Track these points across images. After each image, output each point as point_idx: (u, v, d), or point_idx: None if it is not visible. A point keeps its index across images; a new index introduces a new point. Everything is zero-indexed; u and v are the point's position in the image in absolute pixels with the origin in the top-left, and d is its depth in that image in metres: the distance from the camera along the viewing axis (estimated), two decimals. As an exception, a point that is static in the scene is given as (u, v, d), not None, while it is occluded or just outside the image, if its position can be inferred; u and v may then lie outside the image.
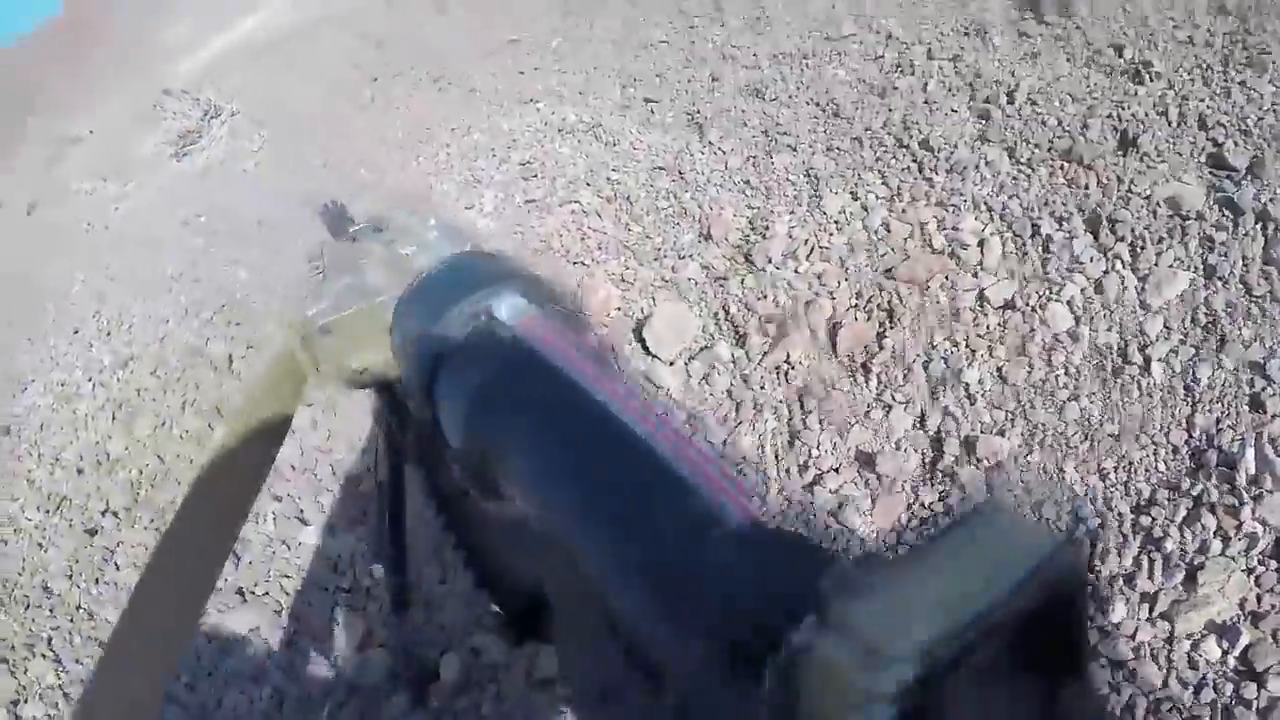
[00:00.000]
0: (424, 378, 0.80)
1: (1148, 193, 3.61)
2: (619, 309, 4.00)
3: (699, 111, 5.37)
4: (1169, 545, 2.43)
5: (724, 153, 4.88)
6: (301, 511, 3.82)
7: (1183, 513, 2.50)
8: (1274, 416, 2.70)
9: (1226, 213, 3.45)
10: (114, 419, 5.29)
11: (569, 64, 6.92)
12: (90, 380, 5.91)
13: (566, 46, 7.30)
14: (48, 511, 4.79)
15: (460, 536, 1.28)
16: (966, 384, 3.02)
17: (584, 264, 4.41)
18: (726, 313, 3.72)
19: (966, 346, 3.16)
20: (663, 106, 5.64)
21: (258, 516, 3.77)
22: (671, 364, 3.56)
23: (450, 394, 0.76)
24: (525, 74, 7.11)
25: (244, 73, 14.27)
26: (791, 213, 4.17)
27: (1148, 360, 2.94)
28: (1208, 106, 4.05)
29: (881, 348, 3.26)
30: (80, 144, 17.49)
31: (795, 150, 4.62)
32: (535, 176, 5.42)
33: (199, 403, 5.03)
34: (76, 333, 6.85)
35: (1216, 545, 2.42)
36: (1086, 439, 2.77)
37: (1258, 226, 3.36)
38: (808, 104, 5.01)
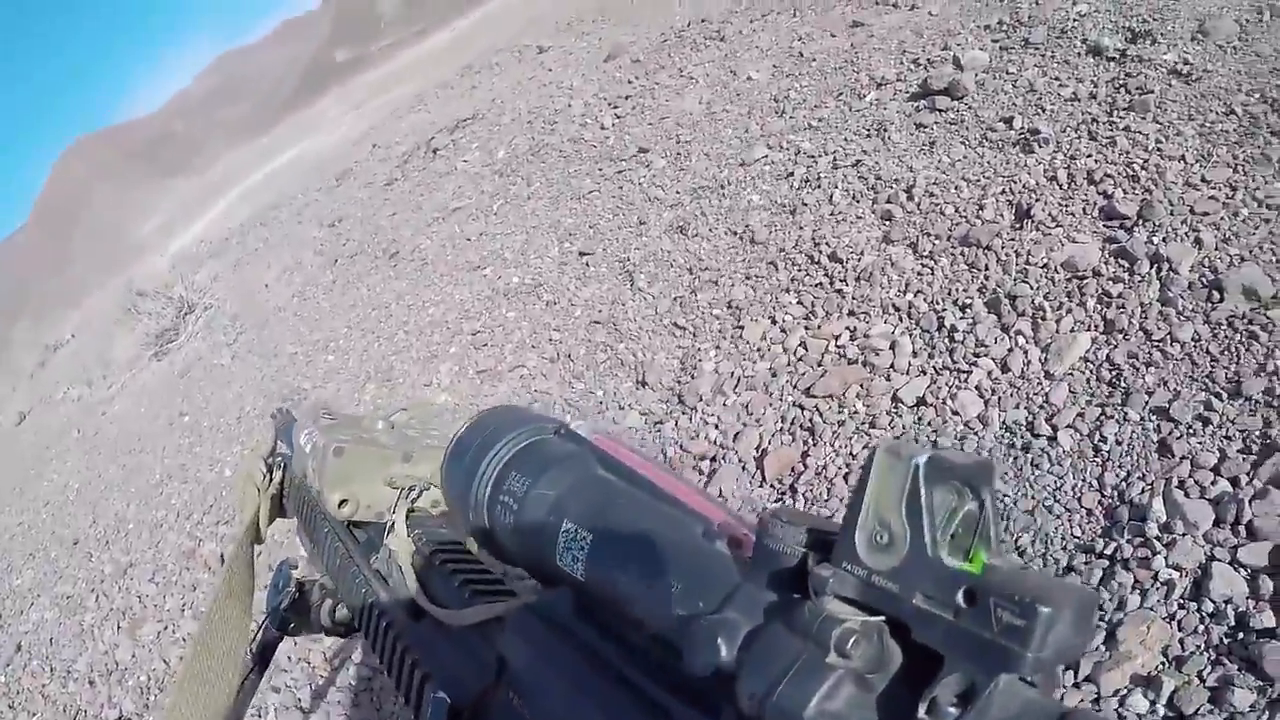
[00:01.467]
0: (483, 479, 0.87)
1: (1045, 260, 3.93)
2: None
3: (629, 259, 5.83)
4: (1088, 610, 2.64)
5: (653, 298, 5.29)
6: (300, 701, 4.05)
7: (1099, 574, 2.71)
8: (1181, 458, 2.94)
9: (1122, 263, 3.77)
10: (119, 628, 5.61)
11: (509, 224, 7.52)
12: (93, 591, 6.29)
13: (507, 208, 7.92)
14: (65, 725, 5.09)
15: None
16: (886, 488, 3.27)
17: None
18: (665, 456, 4.02)
19: (884, 451, 3.42)
20: (596, 258, 6.12)
21: (259, 711, 4.01)
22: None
23: (514, 489, 0.84)
24: (471, 240, 7.71)
25: (213, 264, 15.19)
26: (717, 347, 4.52)
27: (1055, 430, 3.20)
28: (1095, 161, 4.43)
29: (806, 467, 3.53)
30: (63, 349, 18.44)
31: (717, 284, 5.01)
32: (485, 345, 5.91)
33: (196, 605, 5.35)
34: (76, 544, 7.29)
35: (1134, 599, 2.62)
36: (1003, 520, 3.00)
37: (1152, 270, 3.67)
38: (726, 234, 5.43)
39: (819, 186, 5.33)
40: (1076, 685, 2.51)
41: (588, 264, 6.09)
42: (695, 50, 8.79)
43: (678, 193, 6.27)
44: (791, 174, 5.63)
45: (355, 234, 10.22)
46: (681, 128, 7.21)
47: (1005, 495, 3.06)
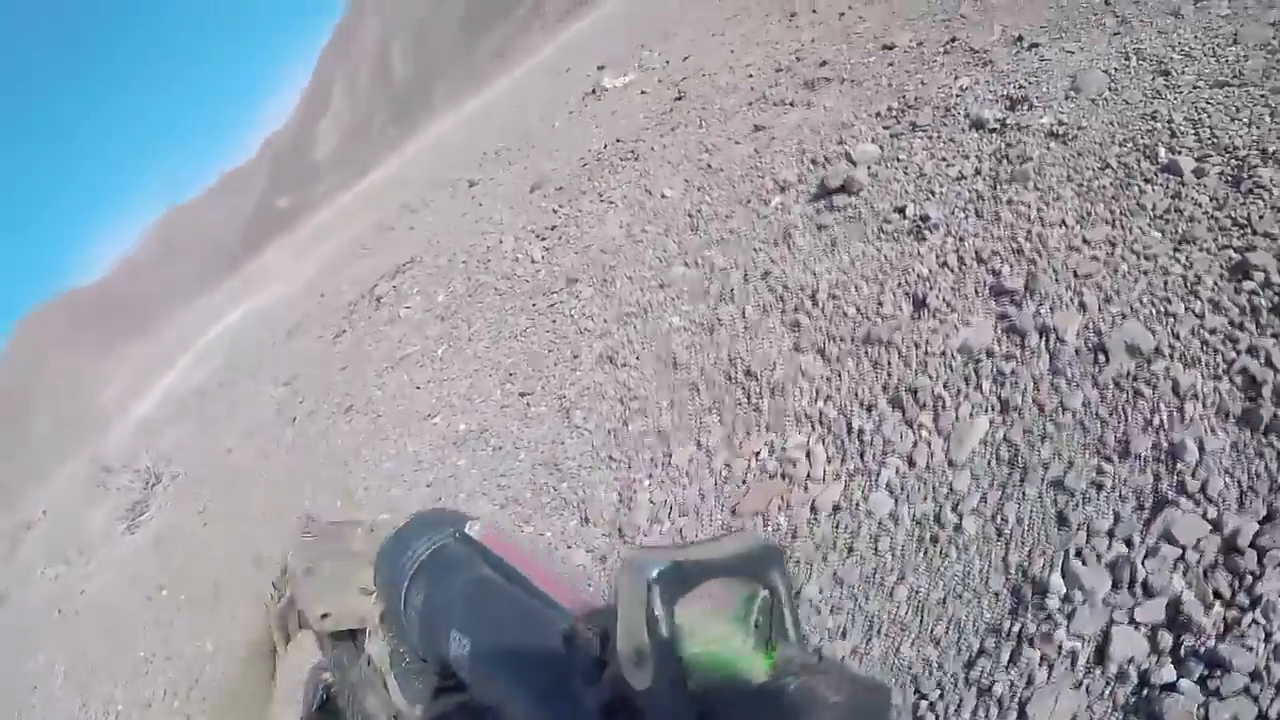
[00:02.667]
0: (400, 590, 1.00)
1: (942, 348, 4.29)
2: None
3: (565, 395, 6.19)
4: (998, 689, 2.90)
5: (589, 432, 5.62)
6: None
7: (1007, 653, 2.98)
8: (1078, 527, 3.24)
9: (1014, 339, 4.11)
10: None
11: (454, 368, 7.90)
12: None
13: (450, 352, 8.30)
14: None
15: None
16: (809, 598, 3.55)
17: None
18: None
19: (805, 563, 3.71)
20: (535, 397, 6.49)
21: None
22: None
23: (417, 599, 0.97)
24: (420, 388, 8.08)
25: (174, 431, 15.47)
26: (650, 476, 4.83)
27: (960, 517, 3.50)
28: (983, 239, 4.81)
29: (735, 590, 3.80)
30: (36, 528, 18.51)
31: (645, 413, 5.35)
32: (440, 498, 6.20)
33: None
34: None
35: (1041, 674, 2.89)
36: (917, 613, 3.28)
37: (1041, 343, 4.02)
38: (652, 359, 5.80)
39: (733, 301, 5.71)
40: (993, 767, 2.76)
41: (528, 404, 6.44)
42: (613, 172, 9.31)
43: (605, 321, 6.66)
44: (708, 291, 6.02)
45: (309, 391, 10.60)
46: (605, 254, 7.65)
47: (919, 589, 3.35)
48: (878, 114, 6.82)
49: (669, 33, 14.69)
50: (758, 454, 4.41)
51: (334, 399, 9.57)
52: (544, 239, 9.00)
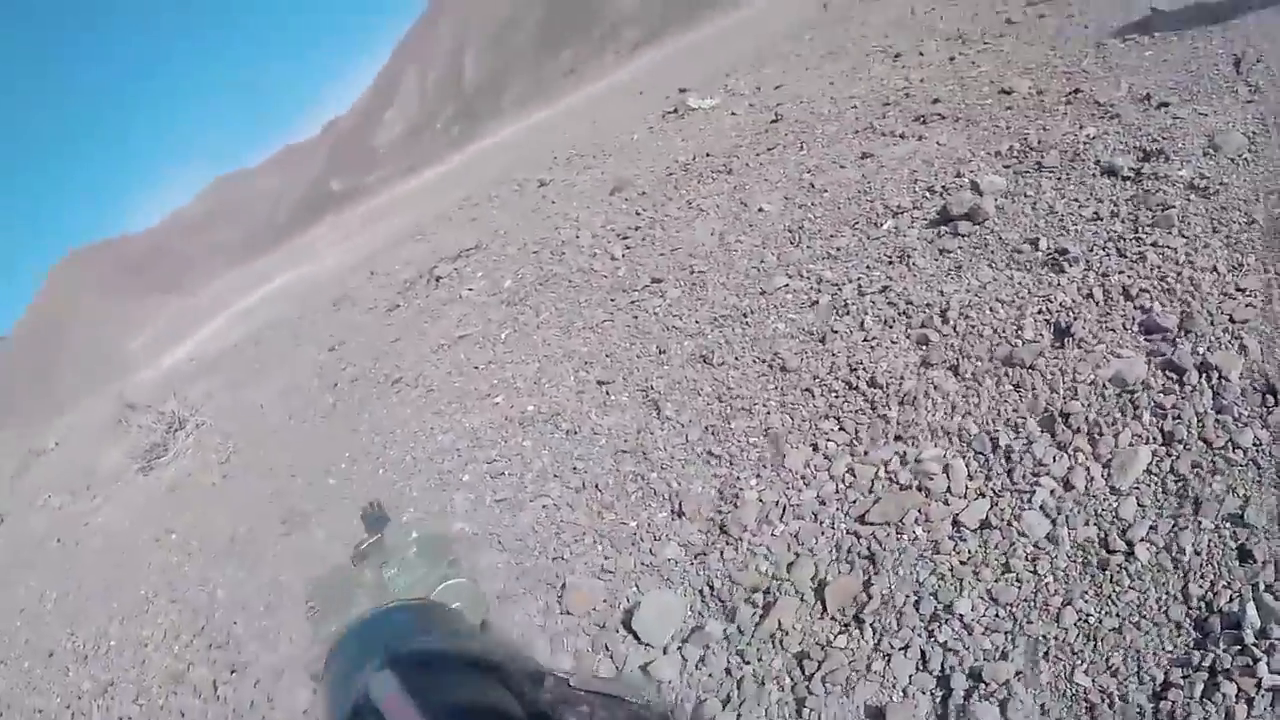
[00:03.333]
0: None
1: (1091, 378, 4.03)
2: (605, 601, 4.28)
3: (652, 387, 5.92)
4: (1195, 725, 2.63)
5: (682, 425, 5.35)
6: None
7: (1200, 687, 2.70)
8: (1264, 563, 2.97)
9: (1171, 375, 3.87)
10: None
11: (519, 353, 7.61)
12: (69, 709, 6.03)
13: (515, 336, 8.02)
14: None
15: None
16: (960, 615, 3.27)
17: (563, 559, 4.74)
18: (711, 589, 4.01)
19: (953, 576, 3.44)
20: (616, 386, 6.21)
21: None
22: (665, 651, 3.80)
23: None
24: (479, 368, 7.78)
25: (206, 381, 15.16)
26: (758, 476, 4.56)
27: (1130, 544, 3.23)
28: (1128, 276, 4.58)
29: (870, 596, 3.53)
30: (46, 457, 18.16)
31: (751, 411, 5.08)
32: (503, 474, 5.89)
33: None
34: (51, 655, 7.01)
35: (1240, 710, 2.61)
36: (1089, 640, 3.00)
37: (1202, 379, 3.77)
38: (754, 362, 5.53)
39: (848, 313, 5.47)
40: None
41: (607, 392, 6.17)
42: (702, 183, 9.12)
43: (697, 322, 6.41)
44: (816, 302, 5.78)
45: (356, 359, 10.32)
46: (695, 258, 7.43)
47: (1089, 615, 3.07)
48: (997, 153, 6.63)
49: (758, 63, 14.57)
50: (887, 463, 4.15)
51: (381, 370, 9.28)
52: (626, 238, 8.79)
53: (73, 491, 12.88)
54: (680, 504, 4.69)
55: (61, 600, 8.47)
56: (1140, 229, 4.95)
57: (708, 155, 9.96)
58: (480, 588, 1.25)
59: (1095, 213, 5.28)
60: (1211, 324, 4.05)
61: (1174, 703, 2.72)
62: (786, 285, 6.19)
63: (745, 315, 6.13)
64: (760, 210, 7.68)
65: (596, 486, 5.25)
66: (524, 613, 4.50)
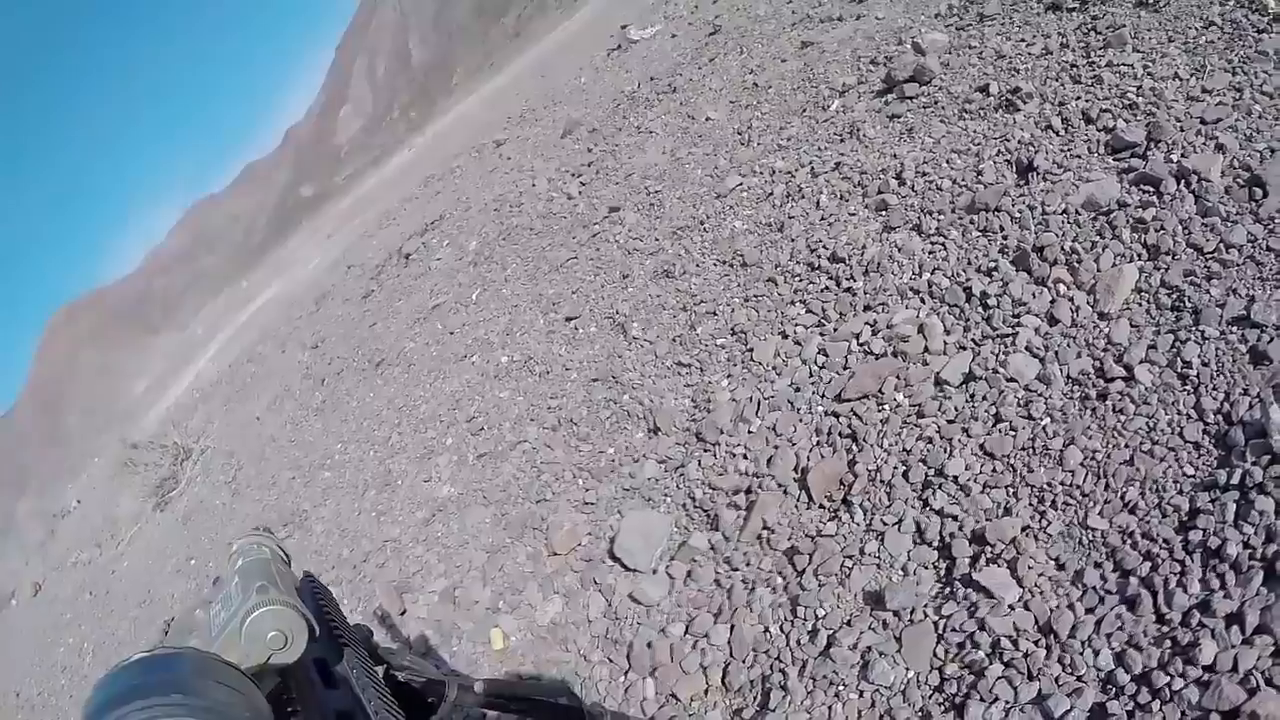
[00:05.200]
0: None
1: (1062, 206, 3.57)
2: (589, 534, 3.90)
3: (618, 312, 5.48)
4: (1231, 549, 2.18)
5: (650, 343, 4.93)
6: None
7: (1232, 508, 2.26)
8: (1281, 362, 2.52)
9: (1146, 188, 3.40)
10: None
11: (490, 310, 7.18)
12: None
13: (486, 295, 7.59)
14: None
15: None
16: (954, 476, 2.84)
17: (545, 499, 4.37)
18: (694, 500, 3.60)
19: (941, 438, 3.00)
20: (584, 319, 5.79)
21: None
22: (654, 571, 3.40)
23: None
24: (454, 333, 7.37)
25: (204, 409, 14.84)
26: (729, 376, 4.13)
27: (1129, 369, 2.78)
28: (1086, 100, 4.10)
29: (855, 475, 3.10)
30: (69, 517, 18.00)
31: (715, 314, 4.64)
32: (482, 430, 5.51)
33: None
34: None
35: (1284, 526, 2.17)
36: (1100, 479, 2.55)
37: (1181, 186, 3.30)
38: (715, 265, 5.08)
39: (803, 197, 5.00)
40: (1248, 642, 2.04)
41: (575, 328, 5.76)
42: (649, 107, 8.60)
43: (657, 239, 5.96)
44: (771, 194, 5.32)
45: (338, 351, 9.93)
46: (649, 179, 6.94)
47: (1096, 452, 2.62)
48: (937, 14, 6.09)
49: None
50: (858, 335, 3.69)
51: (363, 355, 8.88)
52: (579, 175, 8.28)
53: (98, 544, 12.66)
54: (655, 420, 4.27)
55: (98, 650, 8.29)
56: (1092, 53, 4.46)
57: (652, 79, 9.40)
58: (297, 609, 1.10)
59: (1044, 48, 4.77)
60: (1181, 129, 3.57)
61: (1205, 530, 2.27)
62: (740, 184, 5.70)
63: (703, 222, 5.65)
64: (707, 119, 7.15)
65: (572, 421, 4.84)
66: (514, 562, 4.12)
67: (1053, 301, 3.20)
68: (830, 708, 2.52)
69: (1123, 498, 2.48)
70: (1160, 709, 2.05)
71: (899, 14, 6.62)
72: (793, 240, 4.68)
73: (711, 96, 7.60)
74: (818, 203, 4.81)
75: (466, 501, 4.88)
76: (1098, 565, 2.39)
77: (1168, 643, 2.15)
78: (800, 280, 4.35)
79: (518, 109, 14.96)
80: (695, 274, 5.15)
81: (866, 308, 3.84)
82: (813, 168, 5.21)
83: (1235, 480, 2.31)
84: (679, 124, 7.54)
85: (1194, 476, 2.42)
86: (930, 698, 2.39)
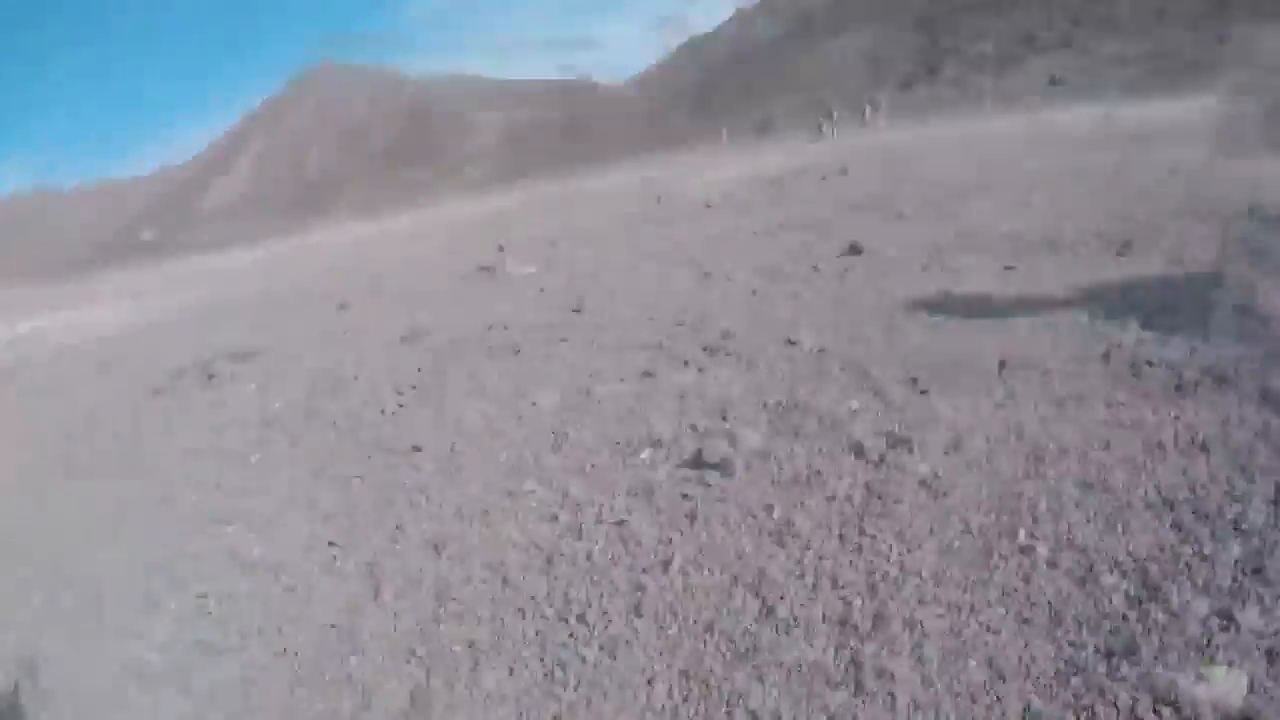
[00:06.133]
0: None
1: (781, 661, 3.99)
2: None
3: (378, 564, 5.63)
4: None
5: (395, 615, 5.05)
6: None
7: None
8: None
9: (850, 673, 3.85)
10: None
11: (265, 483, 7.13)
12: None
13: (266, 465, 7.54)
14: None
15: None
16: None
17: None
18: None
19: None
20: (345, 553, 5.88)
21: None
22: None
23: None
24: (221, 487, 7.25)
25: None
26: (451, 688, 4.29)
27: None
28: (838, 565, 4.64)
29: None
30: None
31: (461, 620, 4.84)
32: (209, 614, 5.48)
33: None
34: None
35: None
36: None
37: (878, 685, 3.76)
38: (480, 565, 5.32)
39: (579, 538, 5.37)
40: None
41: (335, 558, 5.90)
42: (490, 358, 9.02)
43: (440, 505, 6.21)
44: (555, 518, 5.67)
45: (99, 442, 9.46)
46: (460, 436, 7.25)
47: None
48: (765, 404, 6.80)
49: (584, 241, 14.80)
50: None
51: (119, 456, 8.59)
52: (401, 394, 8.54)
53: None
54: (370, 699, 4.36)
55: None
56: (867, 518, 5.05)
57: (505, 328, 9.92)
58: None
59: (833, 492, 5.37)
60: (902, 628, 4.09)
61: None
62: (534, 492, 6.06)
63: (487, 512, 5.94)
64: (534, 404, 7.60)
65: (297, 654, 4.87)
66: None
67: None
68: None
69: None
70: None
71: (736, 385, 7.32)
72: (554, 579, 4.97)
73: (547, 381, 8.09)
74: (589, 554, 5.17)
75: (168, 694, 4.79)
76: None
77: None
78: (546, 624, 4.59)
79: (373, 277, 15.22)
80: (460, 563, 5.36)
81: (590, 683, 4.11)
82: (600, 512, 5.61)
83: None
84: (508, 393, 7.97)
85: None
86: None
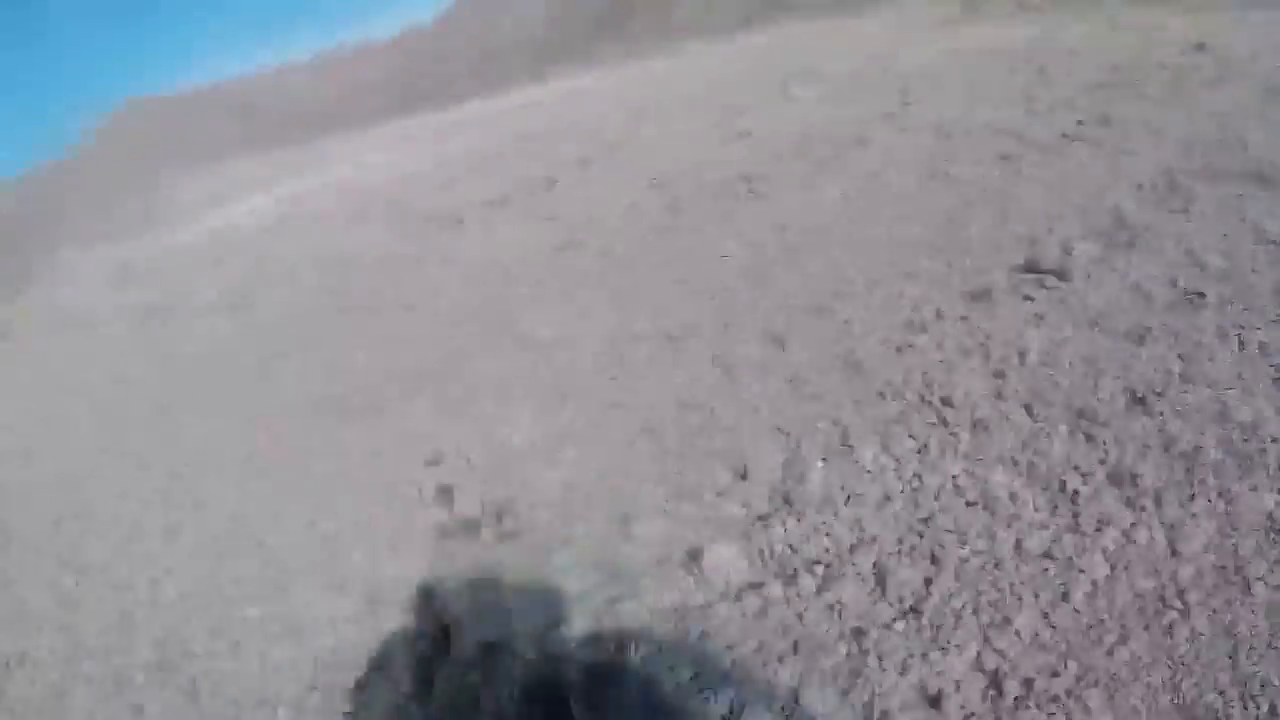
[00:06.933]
0: None
1: (1163, 446, 4.16)
2: (667, 541, 4.43)
3: (723, 355, 6.06)
4: None
5: (751, 395, 5.48)
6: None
7: (1239, 746, 2.86)
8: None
9: (1238, 460, 3.98)
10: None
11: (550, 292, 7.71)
12: None
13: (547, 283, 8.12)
14: None
15: None
16: (1017, 629, 3.41)
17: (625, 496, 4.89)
18: (772, 553, 4.13)
19: (1013, 594, 3.58)
20: (687, 343, 6.42)
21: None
22: (724, 598, 3.95)
23: None
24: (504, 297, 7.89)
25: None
26: (824, 460, 4.68)
27: (1187, 607, 3.37)
28: (1210, 357, 4.70)
29: (930, 593, 3.66)
30: None
31: (821, 399, 5.20)
32: (568, 397, 6.15)
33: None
34: None
35: None
36: (1139, 680, 3.14)
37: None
38: (829, 358, 5.64)
39: (925, 332, 5.58)
40: None
41: (675, 348, 6.39)
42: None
43: (770, 306, 6.55)
44: (893, 312, 5.90)
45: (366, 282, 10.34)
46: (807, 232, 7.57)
47: (1141, 658, 3.22)
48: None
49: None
50: (955, 478, 4.26)
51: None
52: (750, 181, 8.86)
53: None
54: (745, 468, 4.82)
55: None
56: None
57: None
58: None
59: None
60: (1281, 426, 4.17)
61: (1214, 754, 2.87)
62: (861, 294, 6.32)
63: (821, 311, 6.25)
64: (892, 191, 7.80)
65: (659, 432, 5.41)
66: (592, 540, 4.65)
67: (1133, 524, 3.79)
68: None
69: (1155, 702, 3.08)
70: None
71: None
72: (908, 368, 5.28)
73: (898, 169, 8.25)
74: (940, 344, 5.42)
75: (539, 467, 5.44)
76: (1117, 746, 2.99)
77: None
78: (909, 406, 4.91)
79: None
80: (807, 352, 5.76)
81: (966, 456, 4.42)
82: (939, 309, 5.82)
83: (1249, 728, 2.92)
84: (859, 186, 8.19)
85: (1216, 713, 3.03)
86: None
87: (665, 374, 6.07)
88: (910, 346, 5.49)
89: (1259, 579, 3.40)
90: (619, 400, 5.93)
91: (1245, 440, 4.06)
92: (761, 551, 4.17)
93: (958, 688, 3.26)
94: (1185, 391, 4.49)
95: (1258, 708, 2.96)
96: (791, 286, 6.79)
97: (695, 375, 5.93)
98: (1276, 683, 3.03)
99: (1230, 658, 3.15)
